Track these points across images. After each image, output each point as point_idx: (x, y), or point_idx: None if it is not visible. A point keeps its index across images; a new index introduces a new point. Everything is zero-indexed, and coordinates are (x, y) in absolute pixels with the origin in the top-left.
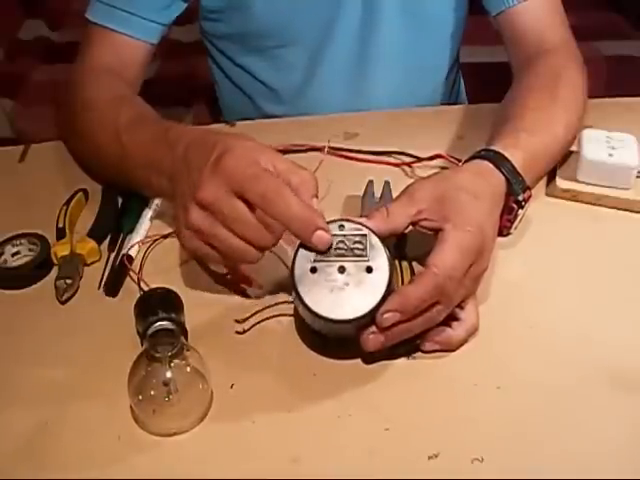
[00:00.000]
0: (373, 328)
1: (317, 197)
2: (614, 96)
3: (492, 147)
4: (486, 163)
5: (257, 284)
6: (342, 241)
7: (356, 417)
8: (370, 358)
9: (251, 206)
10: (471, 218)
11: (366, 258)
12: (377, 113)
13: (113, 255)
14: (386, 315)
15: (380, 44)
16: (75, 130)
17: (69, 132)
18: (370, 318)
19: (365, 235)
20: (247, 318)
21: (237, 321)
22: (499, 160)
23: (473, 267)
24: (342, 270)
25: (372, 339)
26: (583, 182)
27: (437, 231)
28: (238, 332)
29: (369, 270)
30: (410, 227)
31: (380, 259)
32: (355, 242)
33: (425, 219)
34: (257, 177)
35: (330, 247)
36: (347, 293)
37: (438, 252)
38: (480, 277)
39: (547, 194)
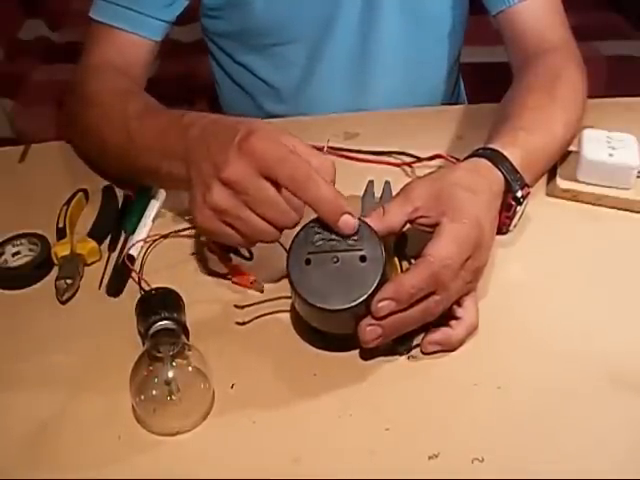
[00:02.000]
0: (370, 319)
1: (334, 183)
2: (614, 96)
3: (490, 145)
4: (484, 161)
5: (257, 284)
6: (336, 232)
7: (356, 417)
8: (368, 354)
9: (277, 187)
10: (468, 212)
11: (359, 248)
12: (377, 113)
13: (114, 255)
14: (381, 304)
15: (379, 41)
16: (80, 127)
17: (74, 130)
18: (365, 307)
19: (358, 225)
20: (247, 305)
21: (237, 306)
22: (497, 158)
23: (470, 260)
24: (336, 260)
25: (369, 330)
26: (583, 182)
27: (435, 227)
28: (238, 323)
29: (363, 259)
30: (408, 225)
31: (373, 248)
32: None
33: (422, 216)
34: (285, 159)
35: (323, 238)
36: (341, 283)
37: (434, 243)
38: (479, 272)
39: (547, 194)
